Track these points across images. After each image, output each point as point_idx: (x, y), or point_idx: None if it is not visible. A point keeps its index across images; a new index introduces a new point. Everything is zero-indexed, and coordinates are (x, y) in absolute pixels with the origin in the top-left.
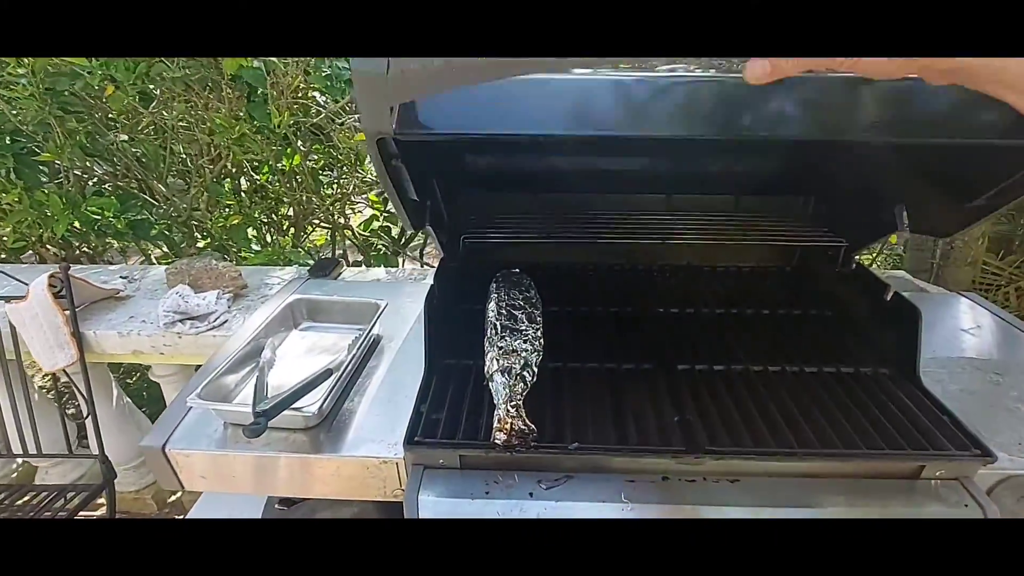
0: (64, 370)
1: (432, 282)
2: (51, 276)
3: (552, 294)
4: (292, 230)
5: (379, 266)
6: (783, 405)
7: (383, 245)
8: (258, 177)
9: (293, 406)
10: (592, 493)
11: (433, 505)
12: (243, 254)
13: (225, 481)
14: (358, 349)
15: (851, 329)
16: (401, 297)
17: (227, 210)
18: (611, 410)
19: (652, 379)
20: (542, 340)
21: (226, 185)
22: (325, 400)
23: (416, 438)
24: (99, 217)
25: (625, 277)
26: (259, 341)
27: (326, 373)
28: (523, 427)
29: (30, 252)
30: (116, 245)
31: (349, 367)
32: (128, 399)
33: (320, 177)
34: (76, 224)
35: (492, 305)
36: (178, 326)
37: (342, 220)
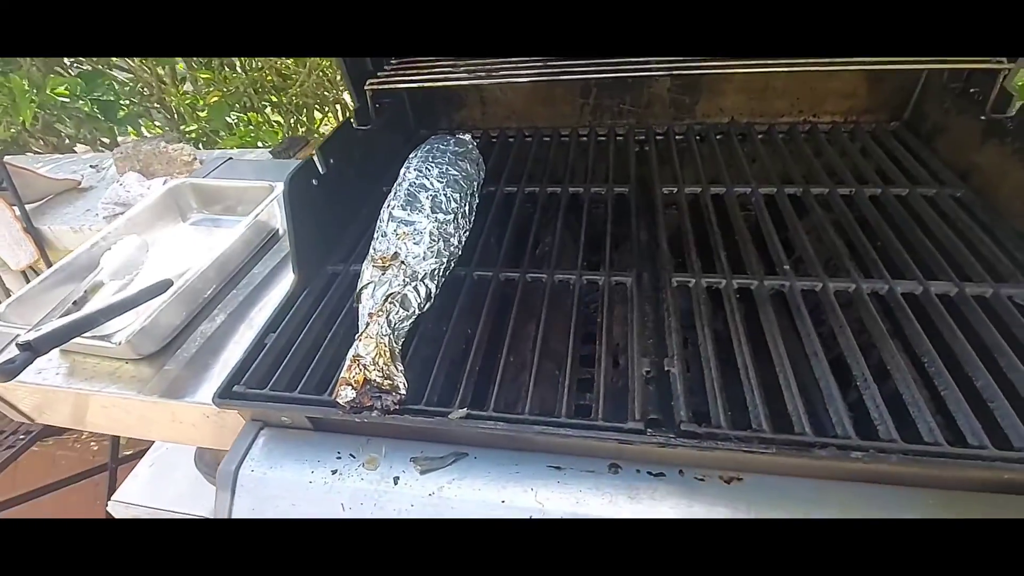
0: (31, 268)
1: (315, 149)
2: None
3: (513, 169)
4: (302, 118)
5: None
6: (845, 356)
7: None
8: None
9: (95, 331)
10: (488, 485)
11: (255, 486)
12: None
13: (65, 417)
14: (220, 260)
15: (996, 223)
16: None
17: (209, 88)
18: (549, 350)
19: (626, 301)
20: (455, 239)
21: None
22: (146, 323)
23: (236, 386)
24: (67, 100)
25: (625, 143)
26: (113, 241)
27: (162, 285)
28: (379, 379)
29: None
30: (118, 131)
31: (203, 275)
32: None
33: None
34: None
35: (396, 183)
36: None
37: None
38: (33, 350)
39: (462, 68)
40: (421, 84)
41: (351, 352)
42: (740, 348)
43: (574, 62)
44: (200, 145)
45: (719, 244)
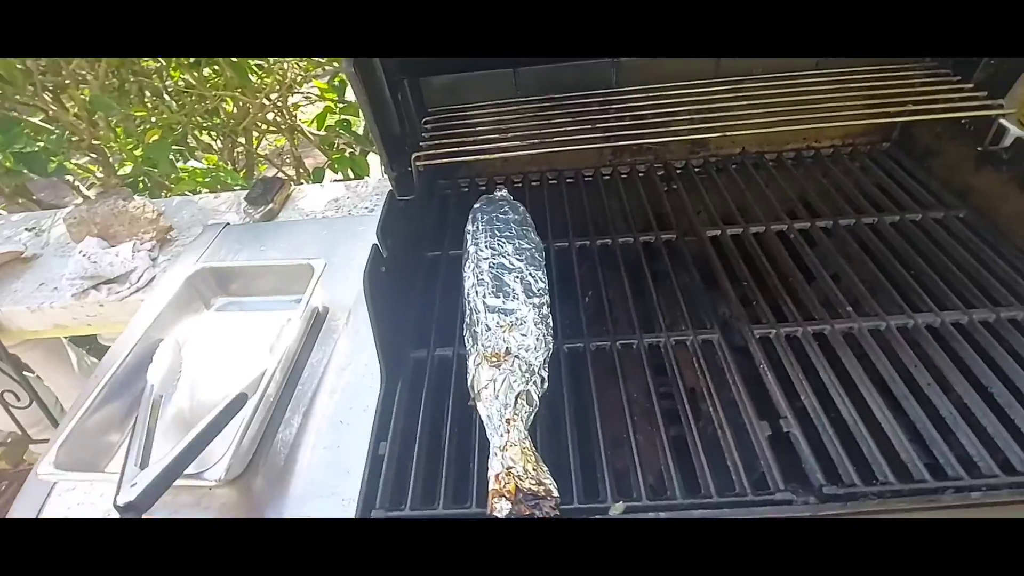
0: None
1: (376, 234)
2: None
3: (555, 219)
4: (240, 140)
5: (342, 171)
6: (927, 394)
7: (345, 144)
8: (170, 78)
9: (188, 472)
10: None
11: None
12: (171, 181)
13: None
14: (285, 358)
15: (1006, 245)
16: (351, 241)
17: (143, 125)
18: (664, 422)
19: (709, 359)
20: (551, 320)
21: (130, 91)
22: (237, 448)
23: (375, 510)
24: None
25: (649, 180)
26: (149, 343)
27: (240, 400)
28: (532, 487)
29: None
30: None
31: (275, 380)
32: (92, 359)
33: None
34: None
35: (469, 264)
36: (92, 294)
37: (289, 120)
38: (137, 510)
39: (513, 128)
40: (475, 157)
41: (497, 462)
42: (841, 399)
43: (600, 130)
44: (141, 190)
45: (779, 287)
